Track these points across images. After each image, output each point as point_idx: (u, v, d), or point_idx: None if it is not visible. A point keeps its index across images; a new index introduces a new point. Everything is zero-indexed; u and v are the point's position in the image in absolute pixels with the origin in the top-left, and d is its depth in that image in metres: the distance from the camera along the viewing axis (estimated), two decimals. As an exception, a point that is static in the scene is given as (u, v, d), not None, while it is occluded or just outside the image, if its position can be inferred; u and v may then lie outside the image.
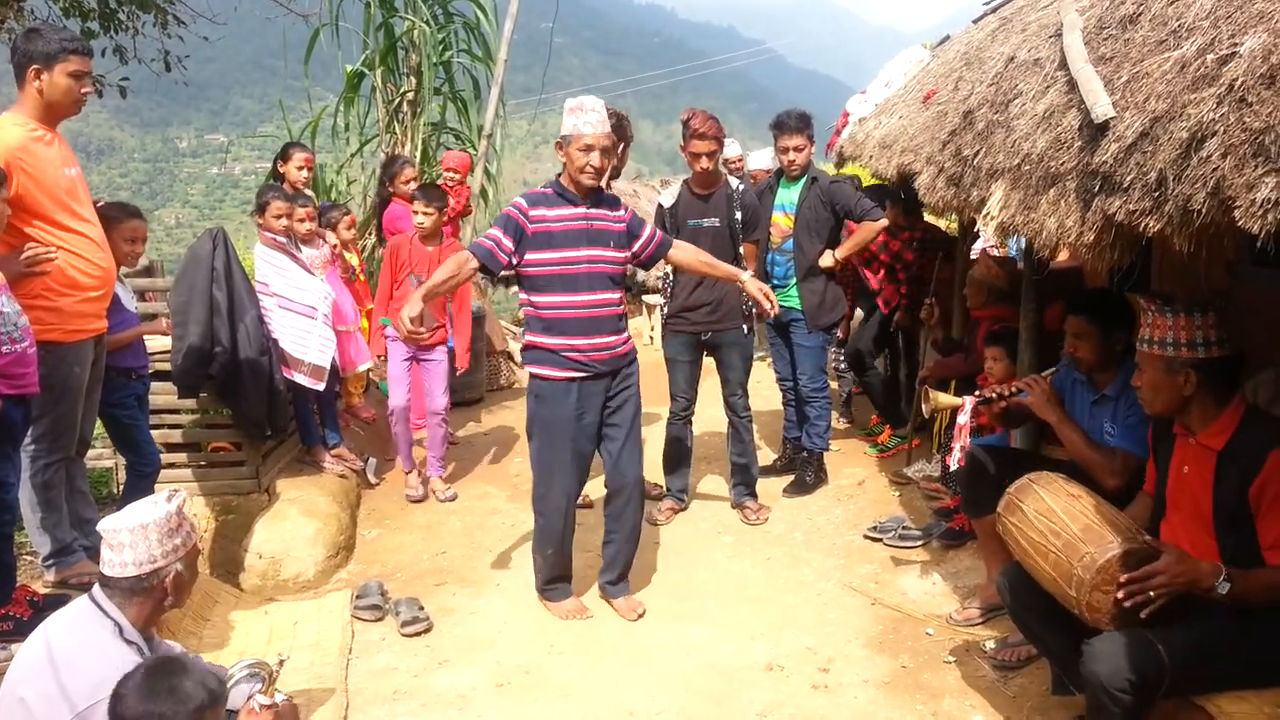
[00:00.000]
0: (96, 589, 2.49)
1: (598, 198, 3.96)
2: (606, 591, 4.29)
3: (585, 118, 3.79)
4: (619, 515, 4.21)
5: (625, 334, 4.05)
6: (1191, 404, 2.65)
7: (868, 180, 7.06)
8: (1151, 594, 2.42)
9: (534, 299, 3.93)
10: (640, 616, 4.16)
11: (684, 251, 4.18)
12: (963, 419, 3.57)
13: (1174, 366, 2.64)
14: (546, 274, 3.87)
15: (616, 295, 3.98)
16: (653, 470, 5.69)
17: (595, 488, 4.76)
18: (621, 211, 4.06)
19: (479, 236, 4.15)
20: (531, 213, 3.86)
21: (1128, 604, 2.45)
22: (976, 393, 3.60)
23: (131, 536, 2.45)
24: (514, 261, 3.87)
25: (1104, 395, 3.41)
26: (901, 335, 6.50)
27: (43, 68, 3.35)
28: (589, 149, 3.78)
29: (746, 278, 4.15)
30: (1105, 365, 3.39)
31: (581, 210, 3.89)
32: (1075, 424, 3.38)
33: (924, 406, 3.79)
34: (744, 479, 5.29)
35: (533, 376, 4.01)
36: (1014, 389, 3.55)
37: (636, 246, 4.06)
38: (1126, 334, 3.36)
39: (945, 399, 3.72)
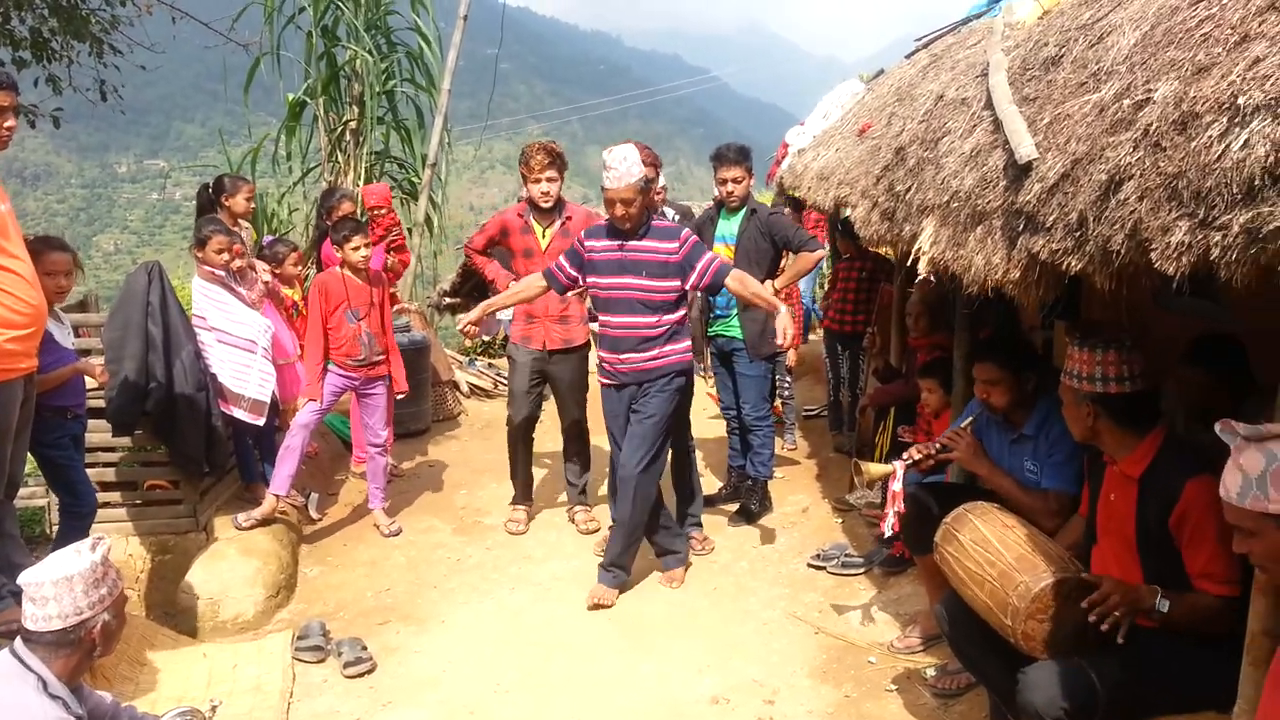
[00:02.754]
0: (18, 643, 2.42)
1: (644, 232, 4.37)
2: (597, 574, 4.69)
3: (607, 174, 4.29)
4: (617, 508, 4.66)
5: (654, 352, 4.43)
6: (1101, 434, 2.73)
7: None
8: (1117, 614, 2.46)
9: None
10: (594, 608, 4.49)
11: (736, 281, 4.37)
12: (896, 486, 3.57)
13: (1079, 398, 2.73)
14: (594, 295, 4.55)
15: (650, 319, 4.39)
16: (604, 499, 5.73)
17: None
18: (672, 244, 4.35)
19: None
20: (587, 243, 4.50)
21: (1104, 628, 2.46)
22: (904, 455, 3.63)
23: (55, 589, 2.39)
24: (577, 283, 4.58)
25: (1022, 434, 3.44)
26: (846, 361, 6.59)
27: None
28: (610, 202, 4.31)
29: (783, 311, 4.22)
30: (1019, 405, 3.44)
31: (618, 243, 4.39)
32: (1005, 472, 3.41)
33: (856, 479, 3.81)
34: (689, 510, 5.31)
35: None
36: (940, 445, 3.58)
37: (693, 278, 4.36)
38: (1035, 372, 3.44)
39: (876, 469, 3.73)
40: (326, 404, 5.31)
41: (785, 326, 4.14)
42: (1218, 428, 2.04)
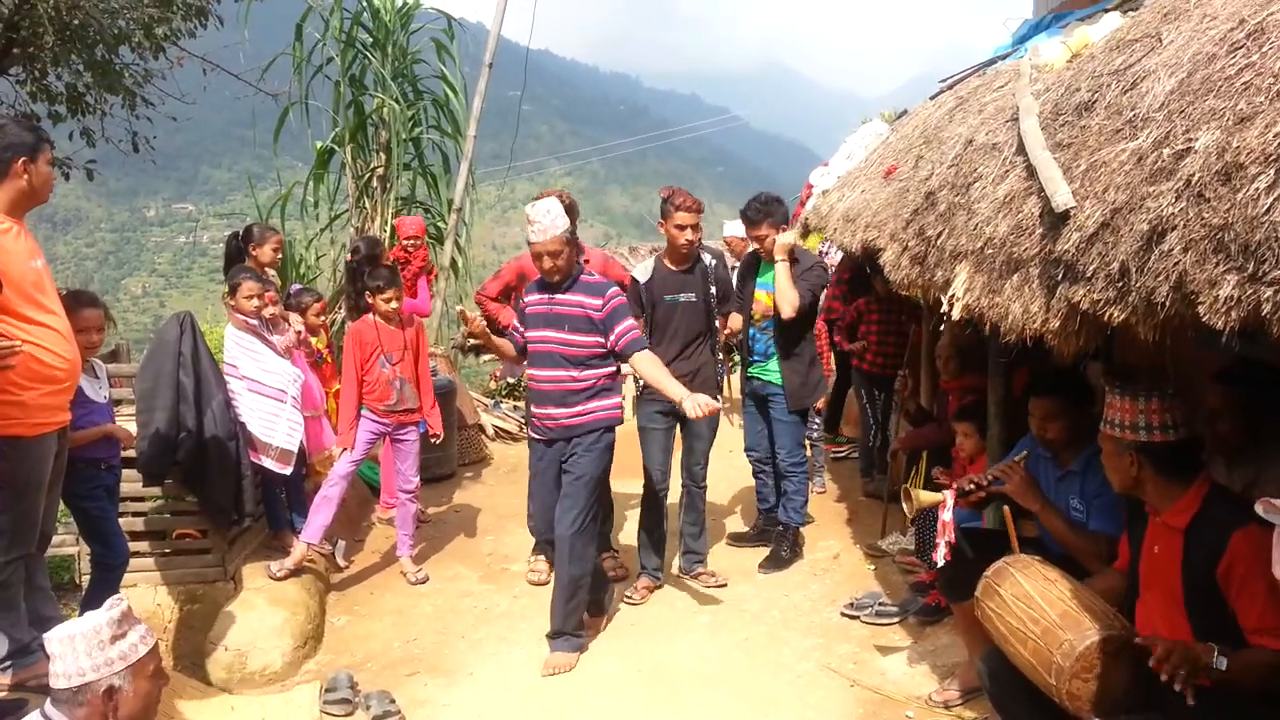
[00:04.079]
0: (48, 703, 2.39)
1: (570, 285, 4.36)
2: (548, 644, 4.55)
3: (531, 228, 4.27)
4: (556, 570, 4.51)
5: (580, 407, 4.38)
6: (1145, 484, 2.67)
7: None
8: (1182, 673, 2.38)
9: None
10: (552, 673, 4.35)
11: (645, 362, 4.35)
12: (946, 515, 3.52)
13: (1121, 447, 2.67)
14: (529, 349, 4.48)
15: (572, 373, 4.36)
16: (629, 546, 5.67)
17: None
18: (597, 301, 4.32)
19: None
20: (526, 298, 4.55)
21: (1177, 687, 2.36)
22: (955, 484, 3.58)
23: (60, 647, 2.36)
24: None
25: (1069, 471, 3.43)
26: (879, 404, 6.51)
27: (29, 159, 3.35)
28: (538, 255, 4.30)
29: (685, 399, 4.16)
30: (1072, 441, 3.41)
31: (547, 296, 4.42)
32: (1058, 509, 3.37)
33: (906, 506, 3.76)
34: (695, 546, 5.36)
35: None
36: (992, 477, 3.53)
37: (612, 339, 4.34)
38: (1091, 410, 3.40)
39: (927, 496, 3.69)
40: (361, 452, 5.33)
41: (702, 403, 4.09)
42: (1259, 508, 1.99)
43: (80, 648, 2.38)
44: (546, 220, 4.23)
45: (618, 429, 4.81)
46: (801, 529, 5.59)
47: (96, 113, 7.68)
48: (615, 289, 4.44)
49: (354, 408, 5.28)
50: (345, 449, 5.24)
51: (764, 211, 5.18)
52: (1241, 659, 2.43)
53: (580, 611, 4.57)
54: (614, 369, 4.50)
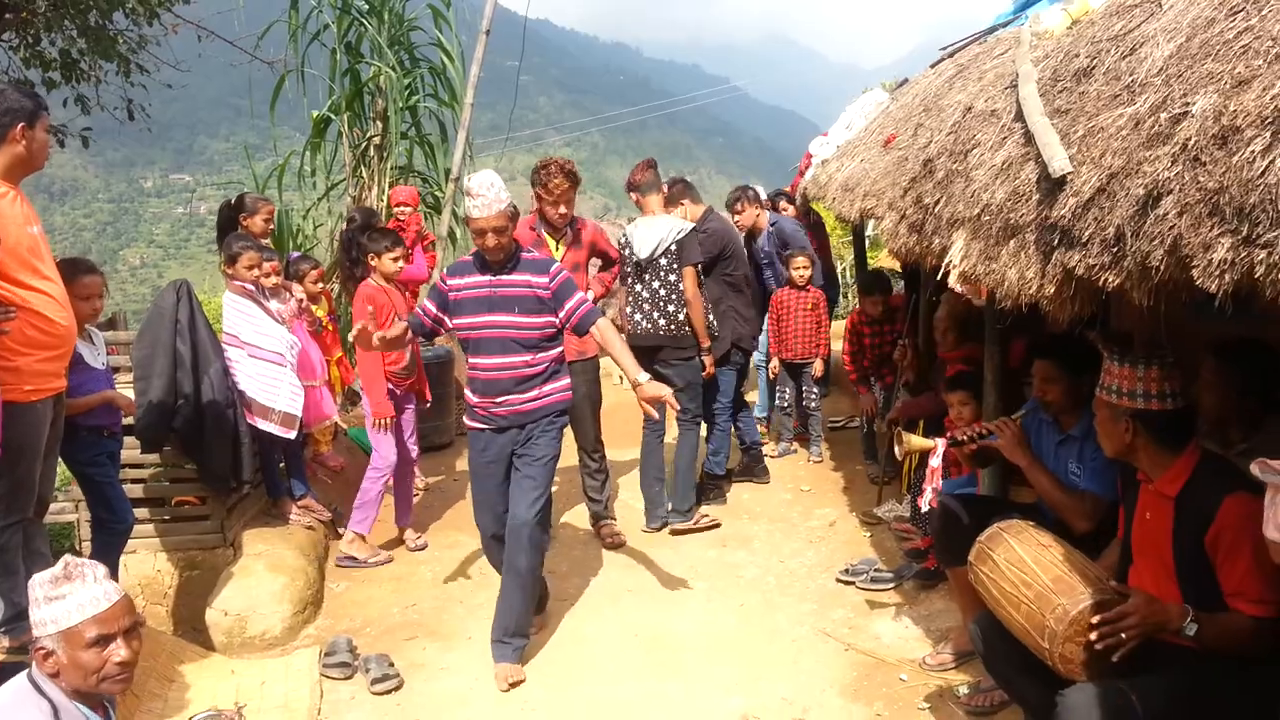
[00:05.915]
0: (33, 667, 2.34)
1: (513, 265, 4.06)
2: (492, 651, 4.15)
3: (473, 201, 3.92)
4: (509, 562, 4.13)
5: (534, 392, 4.10)
6: (1138, 451, 2.68)
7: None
8: (1124, 636, 2.43)
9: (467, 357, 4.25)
10: (510, 688, 3.97)
11: (609, 332, 4.11)
12: (935, 461, 3.58)
13: (1117, 414, 2.67)
14: (462, 337, 4.16)
15: (525, 358, 4.05)
16: (626, 512, 5.71)
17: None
18: (543, 279, 4.05)
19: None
20: (450, 281, 4.14)
21: (1099, 646, 2.45)
22: (948, 434, 3.62)
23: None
24: (443, 325, 4.18)
25: (1069, 436, 3.45)
26: (882, 394, 6.46)
27: (28, 125, 3.35)
28: (481, 232, 3.94)
29: (646, 383, 3.98)
30: (1073, 407, 3.42)
31: (487, 278, 4.06)
32: (1045, 467, 3.41)
33: (896, 449, 3.80)
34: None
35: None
36: (985, 431, 3.57)
37: (562, 315, 4.09)
38: (1093, 376, 3.41)
39: (918, 441, 3.72)
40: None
41: (659, 395, 3.96)
42: (1255, 468, 1.99)
43: (32, 595, 2.32)
44: (490, 194, 3.89)
45: (606, 401, 4.81)
46: (796, 497, 5.65)
47: (91, 79, 7.65)
48: (558, 265, 4.17)
49: (381, 377, 5.20)
50: (385, 418, 5.21)
51: (668, 198, 5.78)
52: (1217, 624, 2.45)
53: (533, 607, 4.34)
54: (562, 351, 4.30)
